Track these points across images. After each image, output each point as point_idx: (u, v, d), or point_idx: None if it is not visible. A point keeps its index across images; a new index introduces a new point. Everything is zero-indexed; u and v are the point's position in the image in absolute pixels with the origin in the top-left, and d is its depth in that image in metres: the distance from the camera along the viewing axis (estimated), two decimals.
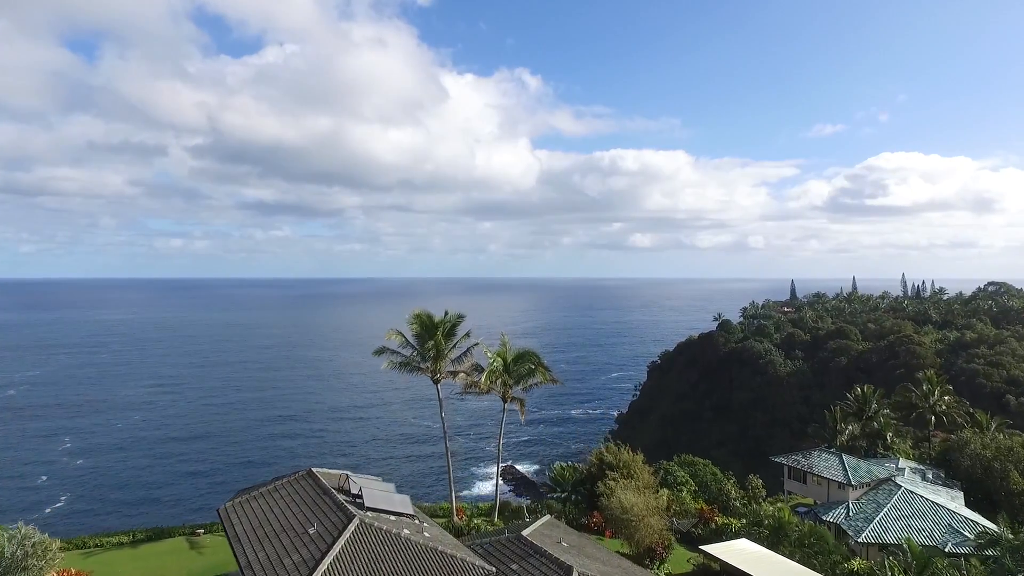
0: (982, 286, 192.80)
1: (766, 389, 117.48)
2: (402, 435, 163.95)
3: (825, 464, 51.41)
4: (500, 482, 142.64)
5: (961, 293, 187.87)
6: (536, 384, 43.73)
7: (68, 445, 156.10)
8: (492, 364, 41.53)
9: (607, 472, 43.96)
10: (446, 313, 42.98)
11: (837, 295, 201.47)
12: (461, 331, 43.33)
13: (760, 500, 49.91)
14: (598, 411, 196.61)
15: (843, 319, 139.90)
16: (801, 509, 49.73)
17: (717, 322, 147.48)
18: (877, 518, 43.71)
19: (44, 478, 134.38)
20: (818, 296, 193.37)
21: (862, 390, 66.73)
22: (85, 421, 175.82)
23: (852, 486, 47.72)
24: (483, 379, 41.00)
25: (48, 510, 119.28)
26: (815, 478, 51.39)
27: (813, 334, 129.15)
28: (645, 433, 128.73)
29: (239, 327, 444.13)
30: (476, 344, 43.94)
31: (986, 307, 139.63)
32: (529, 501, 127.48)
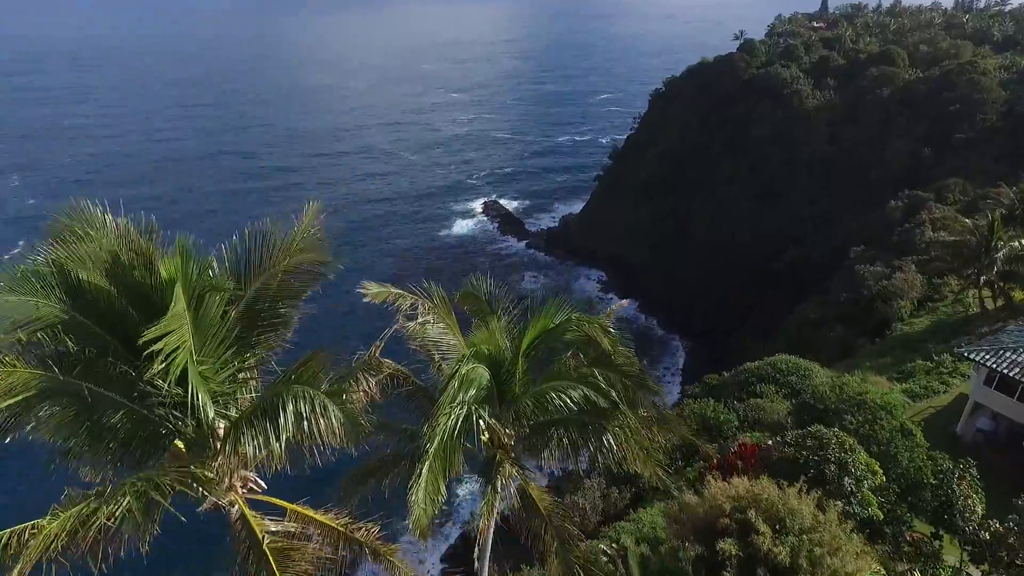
0: None
1: (788, 124, 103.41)
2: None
3: None
4: (484, 219, 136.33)
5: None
6: (600, 451, 12.67)
7: (16, 183, 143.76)
8: (458, 379, 11.97)
9: None
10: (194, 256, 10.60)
11: (878, 7, 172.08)
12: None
13: None
14: (586, 137, 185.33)
15: (887, 39, 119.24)
16: (983, 424, 31.72)
17: (738, 42, 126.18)
18: None
19: None
20: (857, 8, 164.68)
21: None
22: (32, 155, 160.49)
23: None
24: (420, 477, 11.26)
25: (7, 256, 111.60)
26: None
27: (851, 58, 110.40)
28: (642, 169, 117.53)
29: (190, 40, 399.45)
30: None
31: None
32: (515, 239, 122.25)
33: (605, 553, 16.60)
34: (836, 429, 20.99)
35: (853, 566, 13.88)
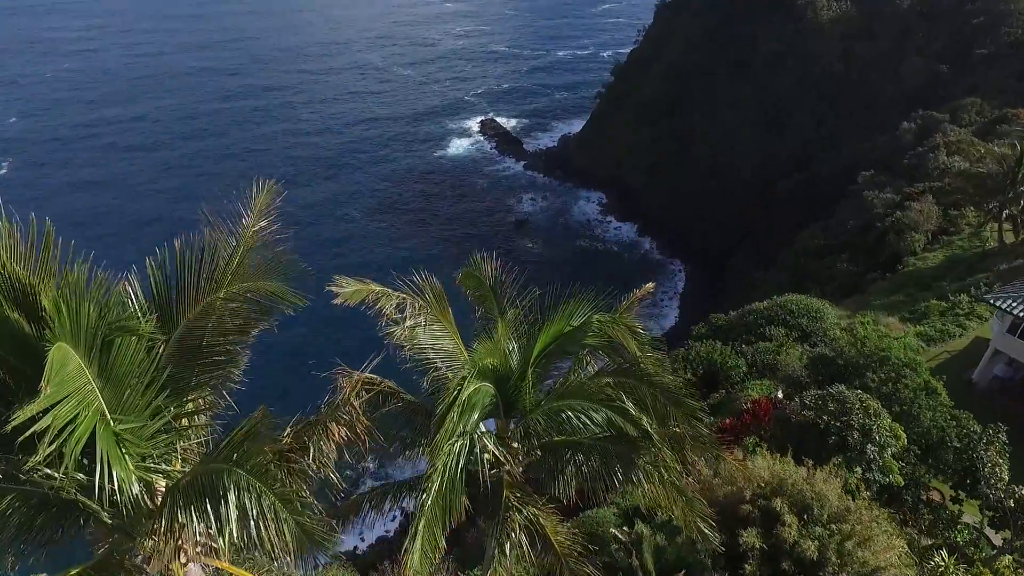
0: None
1: (800, 37, 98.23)
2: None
3: None
4: (481, 138, 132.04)
5: None
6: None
7: None
8: (458, 407, 9.64)
9: None
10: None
11: None
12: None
13: None
14: (587, 52, 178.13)
15: None
16: (1000, 371, 30.14)
17: None
18: None
19: None
20: None
21: None
22: (9, 70, 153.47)
23: None
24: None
25: None
26: None
27: None
28: (646, 86, 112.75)
29: None
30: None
31: None
32: (513, 160, 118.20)
33: (617, 539, 14.96)
34: (859, 391, 19.40)
35: (884, 558, 12.46)
